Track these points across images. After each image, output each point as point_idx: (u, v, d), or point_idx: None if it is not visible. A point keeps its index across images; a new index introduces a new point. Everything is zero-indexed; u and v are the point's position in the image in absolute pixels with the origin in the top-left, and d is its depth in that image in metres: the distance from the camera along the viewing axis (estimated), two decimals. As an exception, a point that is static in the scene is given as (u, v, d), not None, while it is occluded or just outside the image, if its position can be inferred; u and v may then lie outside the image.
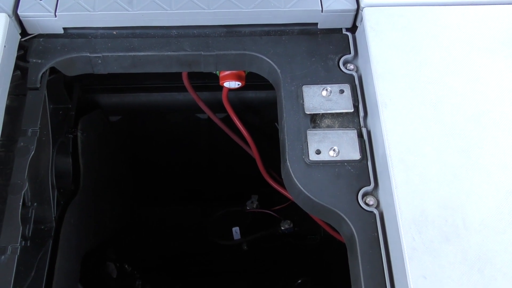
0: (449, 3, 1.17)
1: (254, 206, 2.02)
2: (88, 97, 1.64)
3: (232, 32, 1.22)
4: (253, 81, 1.37)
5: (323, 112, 1.10)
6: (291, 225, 1.93)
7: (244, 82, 1.34)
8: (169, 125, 1.84)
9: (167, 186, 2.18)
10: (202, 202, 2.27)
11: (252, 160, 1.55)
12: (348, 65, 1.18)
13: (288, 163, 1.05)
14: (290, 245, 1.97)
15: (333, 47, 1.20)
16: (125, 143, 1.90)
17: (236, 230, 2.04)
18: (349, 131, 1.08)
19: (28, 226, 1.09)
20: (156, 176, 2.13)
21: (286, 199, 1.72)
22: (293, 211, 1.88)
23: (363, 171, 1.04)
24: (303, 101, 1.11)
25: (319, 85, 1.13)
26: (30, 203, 1.12)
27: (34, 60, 1.16)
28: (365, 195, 1.02)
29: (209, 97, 1.63)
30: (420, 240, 0.89)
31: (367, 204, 1.01)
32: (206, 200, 2.24)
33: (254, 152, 1.52)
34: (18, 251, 0.99)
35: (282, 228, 1.94)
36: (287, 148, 1.07)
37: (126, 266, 1.92)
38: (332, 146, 1.06)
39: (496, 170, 0.96)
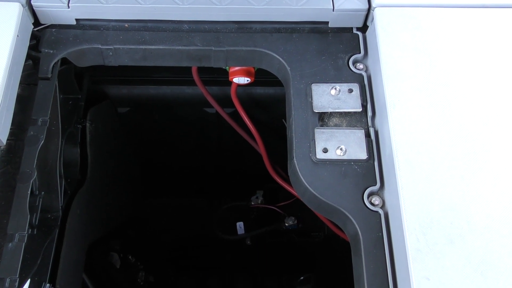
0: (461, 5, 1.17)
1: (259, 201, 2.03)
2: (97, 88, 1.65)
3: (243, 28, 1.22)
4: (261, 77, 1.38)
5: (331, 110, 1.11)
6: (295, 221, 1.94)
7: (253, 78, 1.34)
8: (177, 118, 1.85)
9: (173, 178, 2.19)
10: (207, 196, 2.28)
11: (258, 155, 1.55)
12: (358, 64, 1.18)
13: (295, 161, 1.06)
14: (293, 241, 1.97)
15: (343, 46, 1.20)
16: (133, 134, 1.91)
17: (240, 225, 2.05)
18: (357, 131, 1.09)
19: (35, 214, 1.10)
20: (162, 169, 2.14)
21: (291, 195, 1.73)
22: (298, 207, 1.89)
23: (370, 171, 1.05)
24: (311, 99, 1.11)
25: (328, 84, 1.13)
26: (37, 191, 1.13)
27: (46, 50, 1.17)
28: (370, 194, 1.03)
29: (217, 92, 1.64)
30: (424, 241, 0.89)
31: (372, 204, 1.01)
32: (211, 194, 2.25)
33: (260, 147, 1.52)
34: (25, 239, 1.00)
35: (286, 224, 1.94)
36: (294, 145, 1.07)
37: (130, 257, 1.93)
38: (339, 145, 1.06)
39: (503, 173, 0.96)
